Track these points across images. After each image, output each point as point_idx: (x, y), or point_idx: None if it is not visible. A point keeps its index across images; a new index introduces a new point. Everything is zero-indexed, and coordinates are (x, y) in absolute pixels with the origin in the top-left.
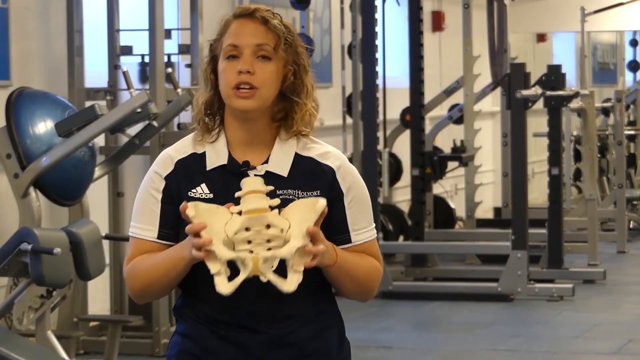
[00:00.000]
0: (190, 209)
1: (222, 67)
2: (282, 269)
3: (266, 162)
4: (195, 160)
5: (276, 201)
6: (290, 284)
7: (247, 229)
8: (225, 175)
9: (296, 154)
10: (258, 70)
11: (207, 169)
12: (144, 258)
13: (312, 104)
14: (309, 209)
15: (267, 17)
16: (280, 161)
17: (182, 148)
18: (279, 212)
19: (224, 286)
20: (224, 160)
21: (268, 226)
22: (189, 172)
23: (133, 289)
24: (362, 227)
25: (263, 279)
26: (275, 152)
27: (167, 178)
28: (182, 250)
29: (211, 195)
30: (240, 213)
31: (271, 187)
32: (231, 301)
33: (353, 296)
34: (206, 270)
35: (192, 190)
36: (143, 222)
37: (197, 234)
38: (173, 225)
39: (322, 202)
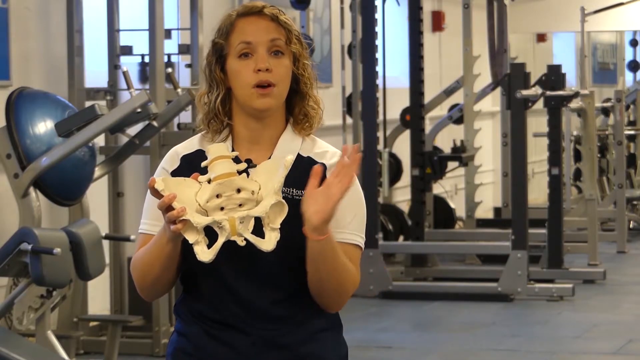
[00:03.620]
0: (159, 183)
1: (235, 66)
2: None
3: (268, 159)
4: (201, 157)
5: (242, 165)
6: (268, 242)
7: (218, 196)
8: None
9: (298, 154)
10: (274, 67)
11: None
12: (141, 250)
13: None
14: (276, 167)
15: (275, 13)
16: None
17: (189, 145)
18: (247, 176)
19: (204, 254)
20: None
21: (238, 190)
22: (192, 167)
23: (135, 282)
24: (342, 228)
25: (240, 242)
26: (278, 151)
27: (173, 173)
28: (164, 231)
29: None
30: (209, 182)
31: (237, 152)
32: (221, 300)
33: (326, 292)
34: (198, 267)
35: None
36: (151, 218)
37: (169, 208)
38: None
39: (290, 157)
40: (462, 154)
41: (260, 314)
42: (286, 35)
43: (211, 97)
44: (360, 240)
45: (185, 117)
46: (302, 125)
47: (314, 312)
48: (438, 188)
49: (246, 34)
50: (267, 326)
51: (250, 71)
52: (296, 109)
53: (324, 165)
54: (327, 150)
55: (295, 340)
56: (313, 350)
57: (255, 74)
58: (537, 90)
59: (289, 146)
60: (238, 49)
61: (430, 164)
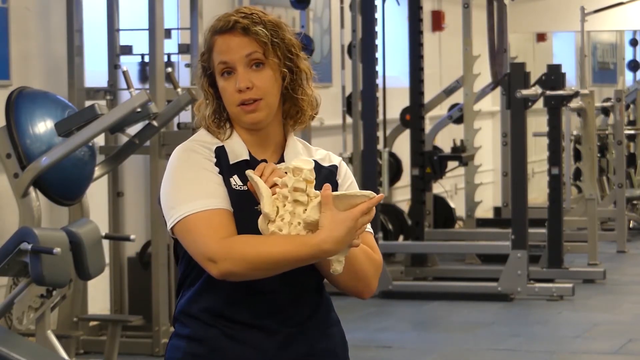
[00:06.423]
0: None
1: (221, 85)
2: None
3: (282, 160)
4: (223, 153)
5: (316, 194)
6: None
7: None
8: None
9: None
10: (256, 81)
11: (230, 162)
12: (253, 241)
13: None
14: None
15: (246, 26)
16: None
17: (207, 141)
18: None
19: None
20: (245, 156)
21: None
22: (222, 162)
23: (239, 270)
24: None
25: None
26: (289, 152)
27: (216, 164)
28: (322, 244)
29: (245, 188)
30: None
31: (314, 179)
32: (243, 300)
33: (363, 279)
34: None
35: (229, 180)
36: (210, 196)
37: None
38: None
39: (379, 196)
40: (462, 154)
41: (284, 312)
42: (263, 47)
43: (210, 109)
44: (371, 228)
45: (185, 116)
46: (296, 119)
47: (328, 308)
48: (438, 188)
49: (223, 53)
50: (289, 324)
51: (233, 91)
52: (286, 104)
53: (335, 166)
54: (327, 153)
55: (312, 336)
56: (326, 346)
57: (237, 93)
58: (537, 89)
59: (295, 148)
60: (219, 69)
61: (430, 163)
